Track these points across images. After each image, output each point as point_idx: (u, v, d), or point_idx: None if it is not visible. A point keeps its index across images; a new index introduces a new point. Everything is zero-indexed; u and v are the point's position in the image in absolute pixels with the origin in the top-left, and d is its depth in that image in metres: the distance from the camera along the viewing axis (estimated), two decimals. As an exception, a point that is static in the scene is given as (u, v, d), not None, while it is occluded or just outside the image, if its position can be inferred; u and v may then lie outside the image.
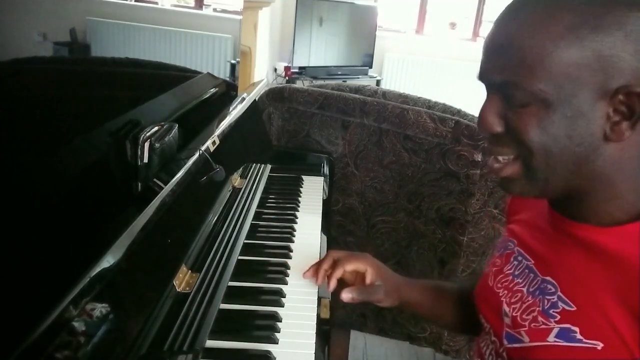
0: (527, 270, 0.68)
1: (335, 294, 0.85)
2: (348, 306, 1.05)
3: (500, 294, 0.70)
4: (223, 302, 0.81)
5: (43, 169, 0.63)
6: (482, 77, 0.60)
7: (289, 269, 0.95)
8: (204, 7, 1.84)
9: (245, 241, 1.02)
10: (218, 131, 1.08)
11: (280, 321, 0.79)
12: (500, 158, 0.61)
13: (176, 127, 0.86)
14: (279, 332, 0.77)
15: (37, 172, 0.62)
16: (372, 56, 4.01)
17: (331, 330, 0.85)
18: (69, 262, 0.55)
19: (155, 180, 0.78)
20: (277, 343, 0.74)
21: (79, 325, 0.51)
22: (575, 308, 0.58)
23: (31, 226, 0.57)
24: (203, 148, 0.95)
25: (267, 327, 0.78)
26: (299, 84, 2.86)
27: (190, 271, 0.81)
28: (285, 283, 0.90)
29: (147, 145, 0.74)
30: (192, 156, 0.91)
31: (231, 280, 0.87)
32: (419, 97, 1.64)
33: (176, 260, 0.79)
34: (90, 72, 0.86)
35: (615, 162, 0.56)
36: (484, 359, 0.74)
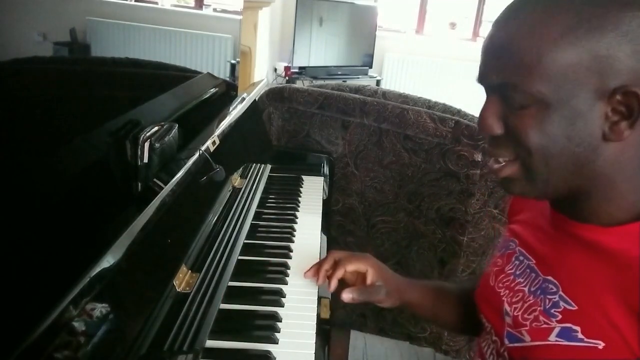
0: (528, 270, 0.68)
1: (336, 294, 0.85)
2: (348, 306, 1.05)
3: (502, 294, 0.70)
4: (223, 302, 0.81)
5: (43, 169, 0.63)
6: (481, 79, 0.60)
7: (289, 269, 0.95)
8: (204, 7, 1.84)
9: (245, 241, 1.02)
10: (218, 131, 1.08)
11: (280, 321, 0.79)
12: (500, 159, 0.61)
13: (176, 127, 0.86)
14: (279, 332, 0.77)
15: (37, 172, 0.62)
16: (372, 56, 4.01)
17: (331, 330, 0.85)
18: (69, 262, 0.55)
19: (155, 180, 0.78)
20: (277, 343, 0.74)
21: (79, 325, 0.51)
22: (576, 307, 0.58)
23: (31, 226, 0.56)
24: (203, 148, 0.95)
25: (267, 327, 0.77)
26: (299, 84, 2.86)
27: (190, 271, 0.81)
28: (285, 283, 0.90)
29: (147, 145, 0.74)
30: (192, 156, 0.91)
31: (231, 280, 0.87)
32: (419, 97, 1.64)
33: (176, 260, 0.79)
34: (90, 72, 0.86)
35: (615, 162, 0.56)
36: (485, 358, 0.75)
